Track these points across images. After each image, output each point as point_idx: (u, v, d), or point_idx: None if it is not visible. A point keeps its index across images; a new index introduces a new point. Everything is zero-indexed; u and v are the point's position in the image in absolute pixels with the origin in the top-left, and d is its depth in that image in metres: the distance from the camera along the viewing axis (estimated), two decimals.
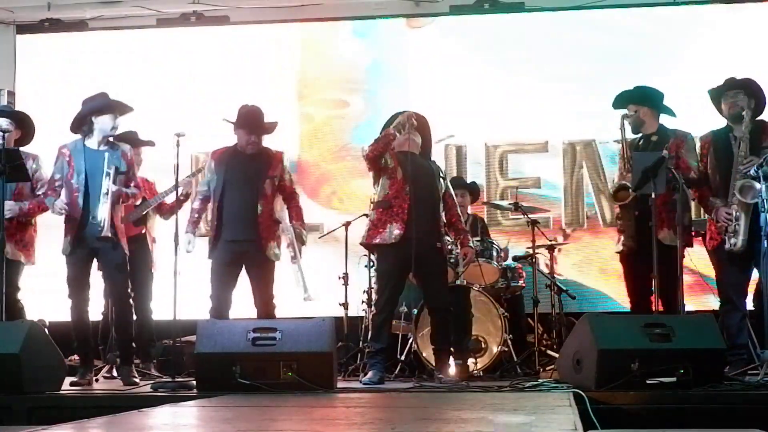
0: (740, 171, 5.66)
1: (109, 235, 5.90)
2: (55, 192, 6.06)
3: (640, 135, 6.12)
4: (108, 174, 5.93)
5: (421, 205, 5.96)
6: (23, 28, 9.21)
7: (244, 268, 6.10)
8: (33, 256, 6.41)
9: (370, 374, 5.86)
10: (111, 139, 6.09)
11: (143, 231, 6.91)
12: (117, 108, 6.12)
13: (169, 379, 5.72)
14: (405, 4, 8.85)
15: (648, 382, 4.87)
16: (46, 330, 5.85)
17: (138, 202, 6.61)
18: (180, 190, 6.58)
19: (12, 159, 5.92)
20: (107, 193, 5.92)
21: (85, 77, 8.74)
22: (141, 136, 6.89)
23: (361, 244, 6.30)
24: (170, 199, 6.72)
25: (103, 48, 9.09)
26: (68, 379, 5.80)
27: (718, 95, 5.99)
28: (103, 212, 5.90)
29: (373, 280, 7.16)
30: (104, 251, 6.00)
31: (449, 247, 6.85)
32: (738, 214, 5.64)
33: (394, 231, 5.91)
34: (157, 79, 8.88)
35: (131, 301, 6.22)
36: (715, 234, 5.85)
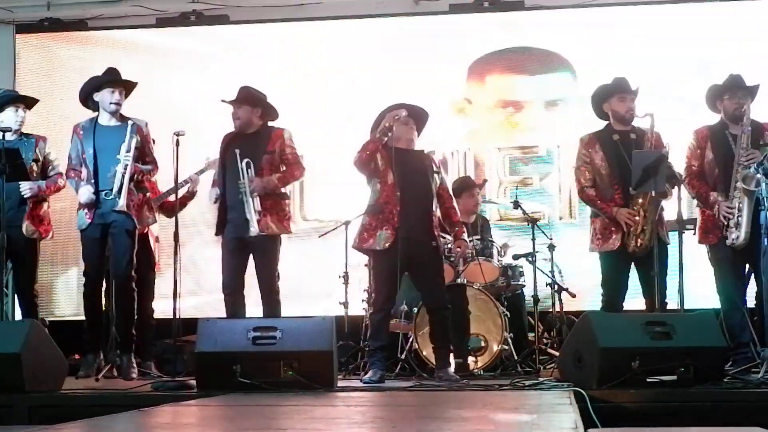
0: (742, 163, 5.67)
1: (125, 209, 5.95)
2: (76, 173, 6.14)
3: (607, 129, 6.05)
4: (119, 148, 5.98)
5: (413, 207, 5.93)
6: (23, 28, 9.19)
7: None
8: (51, 230, 6.61)
9: (370, 373, 5.86)
10: (121, 113, 6.16)
11: (145, 230, 6.90)
12: (115, 82, 6.15)
13: (170, 379, 5.72)
14: (405, 2, 8.84)
15: (649, 380, 4.87)
16: (47, 329, 5.84)
17: (153, 178, 6.60)
18: (187, 187, 6.60)
19: (12, 159, 5.95)
20: (121, 164, 5.97)
21: (85, 76, 8.70)
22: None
23: (353, 247, 6.26)
24: (173, 197, 6.72)
25: (102, 47, 9.08)
26: (69, 378, 5.80)
27: (720, 92, 5.98)
28: (116, 183, 5.95)
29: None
30: (116, 227, 6.06)
31: (448, 246, 6.85)
32: (741, 204, 5.64)
33: (384, 237, 5.88)
34: (156, 78, 8.87)
35: (132, 285, 6.19)
36: (715, 229, 5.84)
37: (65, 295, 8.72)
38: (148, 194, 6.36)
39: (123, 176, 5.97)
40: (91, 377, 5.99)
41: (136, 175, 6.10)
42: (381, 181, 5.97)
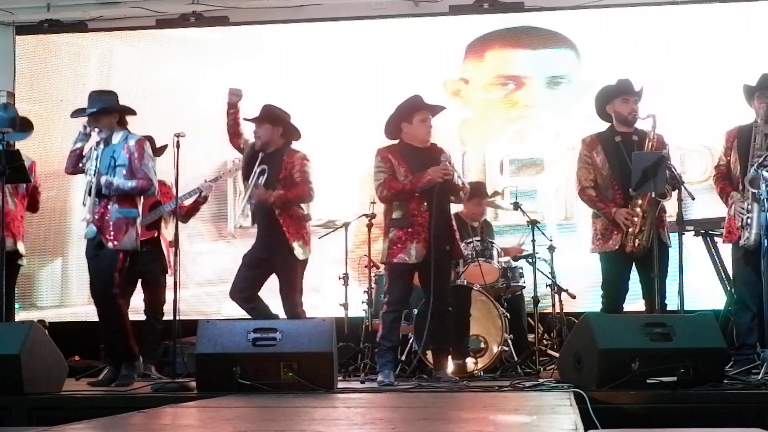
0: (753, 164, 5.67)
1: (89, 220, 5.80)
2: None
3: (610, 131, 6.04)
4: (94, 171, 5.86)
5: (438, 211, 5.87)
6: (22, 29, 9.20)
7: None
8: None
9: (381, 375, 5.80)
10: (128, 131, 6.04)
11: (156, 234, 6.85)
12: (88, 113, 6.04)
13: (169, 380, 5.72)
14: (404, 4, 8.86)
15: (648, 381, 4.86)
16: (46, 330, 5.84)
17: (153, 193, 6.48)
18: (201, 192, 6.58)
19: (12, 160, 5.94)
20: (90, 189, 5.84)
21: (84, 79, 8.75)
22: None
23: (382, 263, 6.14)
24: (188, 201, 6.71)
25: (102, 49, 9.09)
26: (69, 380, 5.79)
27: (753, 91, 5.97)
28: (86, 210, 5.84)
29: (374, 280, 7.16)
30: (89, 251, 5.96)
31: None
32: (750, 206, 5.65)
33: (416, 251, 5.81)
34: (156, 80, 8.88)
35: (116, 301, 5.92)
36: (734, 229, 5.85)
37: (48, 285, 8.74)
38: (135, 217, 5.99)
39: (91, 188, 5.83)
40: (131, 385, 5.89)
41: (106, 190, 5.83)
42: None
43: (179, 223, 6.16)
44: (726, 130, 6.08)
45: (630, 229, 5.82)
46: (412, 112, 6.00)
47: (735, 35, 8.31)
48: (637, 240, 5.82)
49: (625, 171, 5.80)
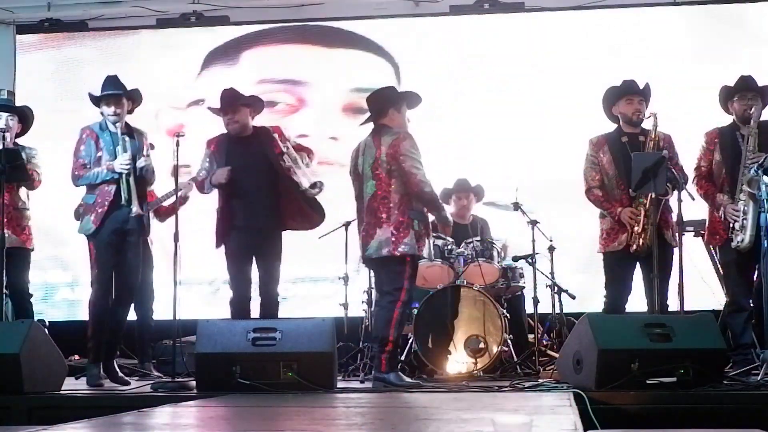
0: (747, 166, 5.67)
1: (141, 212, 5.88)
2: (86, 169, 5.91)
3: (617, 131, 6.05)
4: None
5: None
6: (23, 28, 9.21)
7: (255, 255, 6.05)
8: (32, 241, 6.49)
9: (394, 377, 5.66)
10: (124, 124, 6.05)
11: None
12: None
13: (169, 380, 5.72)
14: (405, 4, 8.86)
15: (648, 382, 4.87)
16: (46, 330, 5.84)
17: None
18: (180, 192, 6.56)
19: (12, 159, 5.94)
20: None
21: (85, 77, 8.74)
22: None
23: (412, 255, 5.77)
24: (168, 201, 6.70)
25: (102, 48, 9.09)
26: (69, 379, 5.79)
27: (731, 93, 5.98)
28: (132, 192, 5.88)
29: (373, 280, 7.15)
30: (130, 235, 5.92)
31: (449, 247, 6.83)
32: (746, 208, 5.65)
33: (428, 245, 5.82)
34: (156, 80, 8.87)
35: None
36: (721, 231, 5.85)
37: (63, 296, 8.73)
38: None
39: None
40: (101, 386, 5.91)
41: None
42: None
43: (176, 222, 6.12)
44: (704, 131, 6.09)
45: (635, 228, 5.84)
46: (402, 102, 5.95)
47: (729, 35, 8.32)
48: (640, 239, 5.82)
49: (631, 171, 5.81)
